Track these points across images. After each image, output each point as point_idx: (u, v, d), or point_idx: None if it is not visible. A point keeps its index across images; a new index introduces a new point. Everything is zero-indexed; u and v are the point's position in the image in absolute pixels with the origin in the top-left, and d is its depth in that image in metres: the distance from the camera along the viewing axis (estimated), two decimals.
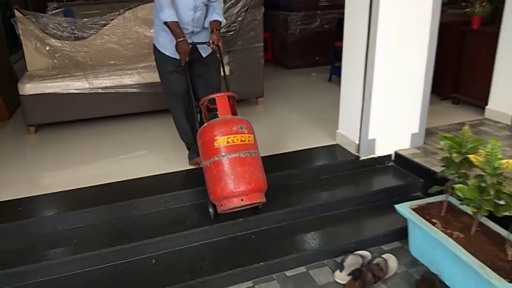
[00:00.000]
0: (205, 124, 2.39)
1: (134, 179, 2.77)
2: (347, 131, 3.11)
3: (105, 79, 3.72)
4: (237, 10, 3.99)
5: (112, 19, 4.19)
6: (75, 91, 3.64)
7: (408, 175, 2.92)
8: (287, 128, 3.72)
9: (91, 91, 3.68)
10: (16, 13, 3.93)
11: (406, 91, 2.95)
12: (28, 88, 3.54)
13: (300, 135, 3.52)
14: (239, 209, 2.35)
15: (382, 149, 3.03)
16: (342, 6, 5.87)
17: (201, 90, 2.82)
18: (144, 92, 3.82)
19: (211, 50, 2.78)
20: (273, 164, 2.83)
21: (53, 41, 4.01)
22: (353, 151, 3.03)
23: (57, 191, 2.67)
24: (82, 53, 4.10)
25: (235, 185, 2.21)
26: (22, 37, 3.95)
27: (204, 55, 2.79)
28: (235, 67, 4.11)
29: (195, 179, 2.69)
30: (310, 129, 3.64)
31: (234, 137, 2.26)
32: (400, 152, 3.04)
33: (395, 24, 2.72)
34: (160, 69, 2.80)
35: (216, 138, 2.26)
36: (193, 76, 2.80)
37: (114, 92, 3.74)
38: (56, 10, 4.70)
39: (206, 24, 2.73)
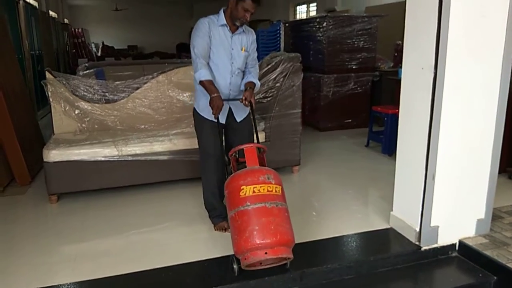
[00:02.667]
0: (233, 174, 2.37)
1: (162, 268, 2.45)
2: (404, 215, 2.76)
3: (135, 146, 3.50)
4: (275, 75, 3.82)
5: (145, 83, 4.05)
6: (103, 159, 3.42)
7: (477, 270, 2.52)
8: (328, 203, 3.38)
9: (120, 159, 3.46)
10: (47, 75, 3.82)
11: (472, 170, 2.62)
12: (54, 155, 3.33)
13: (344, 213, 3.17)
14: (265, 266, 2.24)
15: (445, 237, 2.65)
16: (375, 69, 5.74)
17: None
18: (175, 159, 3.58)
19: (245, 115, 2.92)
20: (320, 252, 2.49)
21: (83, 104, 3.86)
22: (413, 239, 2.66)
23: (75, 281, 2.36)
24: (112, 117, 3.93)
25: (260, 236, 2.10)
26: (51, 99, 3.81)
27: (238, 119, 2.90)
28: (271, 134, 3.87)
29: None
30: (356, 207, 3.30)
31: (260, 186, 2.20)
32: (466, 242, 2.66)
33: (462, 96, 2.45)
34: (198, 131, 2.92)
35: (242, 187, 2.22)
36: (227, 141, 2.93)
37: (144, 159, 3.51)
38: (88, 71, 4.63)
39: (242, 87, 2.85)
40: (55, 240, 2.91)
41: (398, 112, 4.58)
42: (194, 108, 2.91)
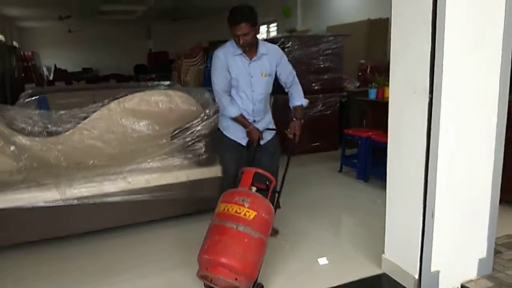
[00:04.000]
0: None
1: None
2: (399, 259, 2.41)
3: (81, 187, 2.98)
4: None
5: (94, 111, 3.56)
6: (43, 204, 2.87)
7: None
8: (309, 245, 2.98)
9: (64, 203, 2.92)
10: None
11: (473, 204, 2.32)
12: None
13: (325, 253, 2.79)
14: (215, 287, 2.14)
15: (447, 283, 2.31)
16: (342, 89, 5.51)
17: None
18: (131, 200, 3.08)
19: (271, 137, 2.90)
20: None
21: (20, 139, 3.31)
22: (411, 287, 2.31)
23: None
24: (56, 152, 3.39)
25: (207, 251, 2.14)
26: None
27: (262, 142, 2.84)
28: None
29: None
30: (339, 247, 2.93)
31: (230, 206, 2.22)
32: (469, 286, 2.34)
33: (461, 122, 2.15)
34: (220, 150, 3.01)
35: (218, 204, 2.31)
36: (254, 158, 2.78)
37: (92, 202, 2.99)
38: (29, 99, 4.08)
39: (266, 110, 2.90)
40: None
41: (371, 135, 4.41)
42: (218, 128, 2.94)
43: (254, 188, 2.39)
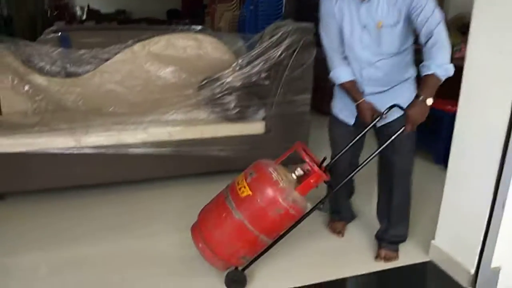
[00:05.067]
0: None
1: None
2: (452, 249, 2.06)
3: (98, 135, 2.72)
4: (280, 51, 3.00)
5: (117, 53, 3.24)
6: (56, 151, 2.65)
7: None
8: (356, 225, 2.64)
9: (78, 151, 2.68)
10: None
11: None
12: None
13: (367, 236, 2.45)
14: None
15: (508, 280, 1.97)
16: None
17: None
18: (151, 154, 2.82)
19: (398, 118, 1.96)
20: None
21: (36, 78, 3.04)
22: (464, 283, 1.97)
23: None
24: (74, 95, 3.11)
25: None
26: None
27: (380, 124, 2.01)
28: (272, 124, 3.12)
29: None
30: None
31: (242, 174, 1.89)
32: None
33: None
34: (329, 130, 2.28)
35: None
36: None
37: (109, 153, 2.74)
38: (51, 35, 3.78)
39: (396, 79, 1.99)
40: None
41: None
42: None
43: (298, 171, 1.87)
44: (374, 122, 1.96)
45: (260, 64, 3.00)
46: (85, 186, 2.86)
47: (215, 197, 1.97)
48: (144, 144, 2.80)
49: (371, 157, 1.92)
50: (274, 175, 1.80)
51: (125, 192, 2.92)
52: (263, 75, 3.04)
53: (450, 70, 1.74)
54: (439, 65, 1.72)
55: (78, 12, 14.70)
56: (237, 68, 3.10)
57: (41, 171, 2.69)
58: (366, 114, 1.98)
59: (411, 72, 2.01)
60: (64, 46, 3.47)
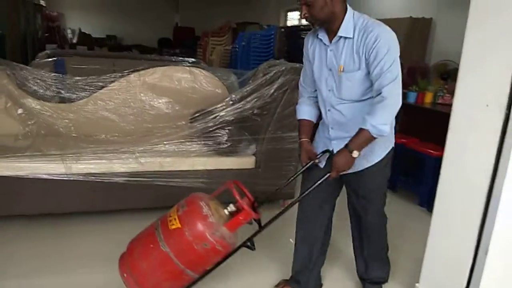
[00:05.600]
0: None
1: None
2: None
3: (89, 163, 2.73)
4: (272, 90, 3.11)
5: (112, 81, 3.28)
6: (46, 177, 2.63)
7: None
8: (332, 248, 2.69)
9: (68, 178, 2.68)
10: None
11: None
12: None
13: (348, 276, 2.49)
14: None
15: None
16: None
17: None
18: (142, 184, 2.83)
19: (366, 165, 1.98)
20: None
21: (29, 101, 3.05)
22: None
23: None
24: (66, 121, 3.13)
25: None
26: None
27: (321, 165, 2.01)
28: (262, 160, 3.18)
29: None
30: None
31: (175, 206, 1.89)
32: None
33: None
34: None
35: None
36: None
37: (99, 181, 2.74)
38: (46, 60, 3.82)
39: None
40: None
41: (405, 141, 4.03)
42: None
43: (230, 207, 1.85)
44: (307, 165, 1.96)
45: (253, 101, 3.09)
46: (74, 213, 2.84)
47: (147, 227, 1.94)
48: (135, 174, 2.81)
49: (296, 200, 1.96)
50: (205, 209, 1.80)
51: (113, 220, 2.90)
52: (255, 111, 3.12)
53: (383, 132, 1.73)
54: (374, 125, 1.71)
55: (69, 35, 14.81)
56: (230, 102, 3.17)
57: (29, 196, 2.66)
58: (302, 155, 1.99)
59: None
60: (58, 70, 3.50)
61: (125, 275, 1.83)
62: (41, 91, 3.15)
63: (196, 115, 3.25)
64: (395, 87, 1.71)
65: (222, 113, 3.12)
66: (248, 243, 1.85)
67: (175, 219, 1.80)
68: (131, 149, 2.87)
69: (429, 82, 4.68)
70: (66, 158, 2.68)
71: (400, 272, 2.44)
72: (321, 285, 2.35)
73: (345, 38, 1.79)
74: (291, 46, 5.91)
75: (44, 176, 2.63)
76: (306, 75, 2.06)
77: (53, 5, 14.92)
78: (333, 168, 1.82)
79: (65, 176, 2.67)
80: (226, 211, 1.85)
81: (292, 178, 2.10)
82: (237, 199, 1.79)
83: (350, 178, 2.00)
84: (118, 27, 16.56)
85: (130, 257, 1.85)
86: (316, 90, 2.03)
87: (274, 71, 3.18)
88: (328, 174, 1.83)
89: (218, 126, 3.07)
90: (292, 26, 7.89)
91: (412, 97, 4.25)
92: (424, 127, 4.19)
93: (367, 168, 1.95)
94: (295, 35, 5.79)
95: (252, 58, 5.37)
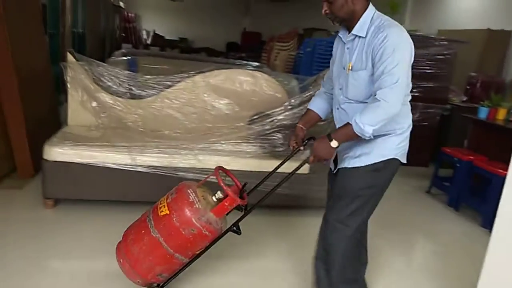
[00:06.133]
0: None
1: None
2: None
3: (152, 156, 2.89)
4: None
5: (179, 81, 3.45)
6: (113, 166, 2.83)
7: None
8: (377, 271, 2.63)
9: (132, 169, 2.86)
10: (69, 56, 3.28)
11: None
12: (55, 153, 2.78)
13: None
14: None
15: None
16: (446, 101, 4.81)
17: None
18: (199, 179, 2.93)
19: (346, 164, 1.93)
20: None
21: (103, 96, 3.30)
22: None
23: None
24: (135, 116, 3.34)
25: None
26: (69, 85, 3.28)
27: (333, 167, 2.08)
28: (317, 165, 3.15)
29: None
30: (410, 279, 2.56)
31: (165, 195, 1.99)
32: None
33: None
34: None
35: None
36: None
37: (160, 173, 2.89)
38: (121, 58, 4.12)
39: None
40: (43, 252, 2.43)
41: (474, 159, 3.83)
42: None
43: (218, 194, 1.91)
44: (294, 152, 2.05)
45: None
46: (135, 202, 3.01)
47: (141, 215, 2.04)
48: (193, 169, 2.93)
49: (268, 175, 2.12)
50: (192, 196, 1.87)
51: None
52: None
53: (365, 132, 1.66)
54: (358, 123, 1.65)
55: (144, 36, 15.68)
56: (289, 107, 3.21)
57: (95, 182, 2.88)
58: (290, 138, 2.05)
59: (386, 128, 1.80)
60: (131, 69, 3.75)
61: (121, 260, 1.95)
62: (115, 87, 3.38)
63: (255, 117, 3.32)
64: (393, 92, 1.64)
65: (280, 117, 3.16)
66: (234, 228, 1.90)
67: (164, 206, 1.90)
68: (191, 146, 3.00)
69: (504, 98, 4.39)
70: (132, 150, 2.86)
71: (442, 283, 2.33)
72: None
73: (359, 37, 1.78)
74: None
75: (111, 165, 2.82)
76: (329, 73, 2.07)
77: (131, 7, 15.90)
78: (311, 153, 1.81)
79: (130, 166, 2.85)
80: (214, 198, 1.91)
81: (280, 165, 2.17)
82: (222, 186, 1.84)
83: (338, 174, 1.98)
84: (190, 30, 17.28)
85: (125, 243, 1.96)
86: (330, 88, 2.06)
87: None
88: (306, 158, 1.85)
89: (275, 129, 3.12)
90: None
91: (483, 113, 4.02)
92: (494, 144, 3.95)
93: (354, 168, 1.90)
94: None
95: (315, 65, 5.35)
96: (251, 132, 3.23)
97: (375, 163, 1.87)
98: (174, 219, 1.84)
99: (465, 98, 5.33)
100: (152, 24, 16.70)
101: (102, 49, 9.55)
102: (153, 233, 1.87)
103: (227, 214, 1.94)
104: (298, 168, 1.92)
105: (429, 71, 4.89)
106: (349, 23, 1.81)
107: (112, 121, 3.27)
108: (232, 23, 17.17)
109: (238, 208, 1.93)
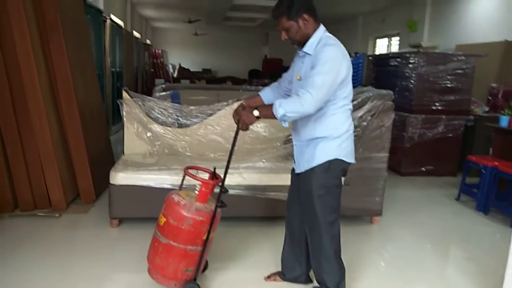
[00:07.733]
0: None
1: None
2: None
3: (204, 176, 3.25)
4: (362, 113, 3.42)
5: (219, 109, 3.84)
6: (170, 187, 3.20)
7: None
8: (416, 268, 2.87)
9: (187, 187, 3.22)
10: (124, 94, 3.74)
11: None
12: (120, 178, 3.18)
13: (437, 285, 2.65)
14: None
15: None
16: (468, 113, 5.05)
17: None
18: (244, 195, 3.29)
19: (307, 167, 2.21)
20: None
21: (155, 127, 3.72)
22: None
23: None
24: (183, 142, 3.74)
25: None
26: (125, 120, 3.72)
27: (296, 170, 2.35)
28: (351, 178, 3.45)
29: None
30: (444, 282, 2.78)
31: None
32: None
33: None
34: None
35: None
36: None
37: None
38: (164, 93, 4.55)
39: (307, 135, 2.22)
40: (110, 267, 2.77)
41: (498, 165, 4.03)
42: None
43: (197, 188, 2.35)
44: (237, 133, 2.31)
45: None
46: None
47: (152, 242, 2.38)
48: (239, 186, 3.28)
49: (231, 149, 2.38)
50: (176, 198, 2.28)
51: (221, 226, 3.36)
52: None
53: (279, 114, 1.96)
54: (277, 106, 1.97)
55: (170, 70, 16.46)
56: None
57: (155, 202, 3.22)
58: (233, 115, 2.28)
59: (324, 133, 2.14)
60: (174, 101, 4.18)
61: (153, 276, 2.33)
62: (163, 118, 3.81)
63: (290, 137, 3.65)
64: (310, 95, 1.93)
65: None
66: (219, 204, 2.27)
67: (161, 217, 2.28)
68: (236, 165, 3.34)
69: None
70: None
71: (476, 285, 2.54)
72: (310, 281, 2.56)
73: (308, 54, 2.10)
74: (379, 73, 6.13)
75: (168, 186, 3.19)
76: (286, 74, 2.38)
77: (158, 44, 16.79)
78: (238, 116, 2.20)
79: (184, 186, 3.21)
80: (195, 192, 2.31)
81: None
82: (191, 177, 2.28)
83: (298, 180, 2.30)
84: (213, 61, 18.04)
85: (150, 263, 2.33)
86: (284, 87, 2.40)
87: (363, 97, 3.50)
88: (236, 127, 2.24)
89: None
90: (380, 54, 8.10)
91: (504, 121, 4.24)
92: None
93: (307, 171, 2.20)
94: (383, 63, 6.00)
95: None
96: (287, 151, 3.56)
97: (321, 163, 2.16)
98: (171, 221, 2.22)
99: (487, 109, 5.53)
100: (176, 57, 17.55)
101: (135, 84, 10.21)
102: (163, 240, 2.25)
103: (218, 200, 2.30)
104: (235, 136, 2.34)
105: (449, 85, 5.15)
106: (304, 43, 2.14)
107: (165, 148, 3.68)
108: (253, 51, 17.85)
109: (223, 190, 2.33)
